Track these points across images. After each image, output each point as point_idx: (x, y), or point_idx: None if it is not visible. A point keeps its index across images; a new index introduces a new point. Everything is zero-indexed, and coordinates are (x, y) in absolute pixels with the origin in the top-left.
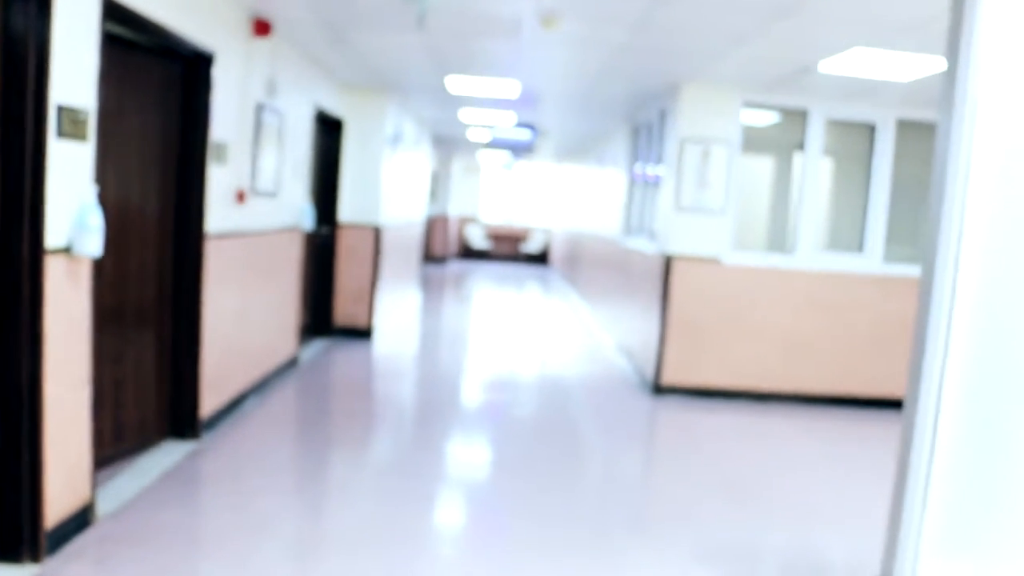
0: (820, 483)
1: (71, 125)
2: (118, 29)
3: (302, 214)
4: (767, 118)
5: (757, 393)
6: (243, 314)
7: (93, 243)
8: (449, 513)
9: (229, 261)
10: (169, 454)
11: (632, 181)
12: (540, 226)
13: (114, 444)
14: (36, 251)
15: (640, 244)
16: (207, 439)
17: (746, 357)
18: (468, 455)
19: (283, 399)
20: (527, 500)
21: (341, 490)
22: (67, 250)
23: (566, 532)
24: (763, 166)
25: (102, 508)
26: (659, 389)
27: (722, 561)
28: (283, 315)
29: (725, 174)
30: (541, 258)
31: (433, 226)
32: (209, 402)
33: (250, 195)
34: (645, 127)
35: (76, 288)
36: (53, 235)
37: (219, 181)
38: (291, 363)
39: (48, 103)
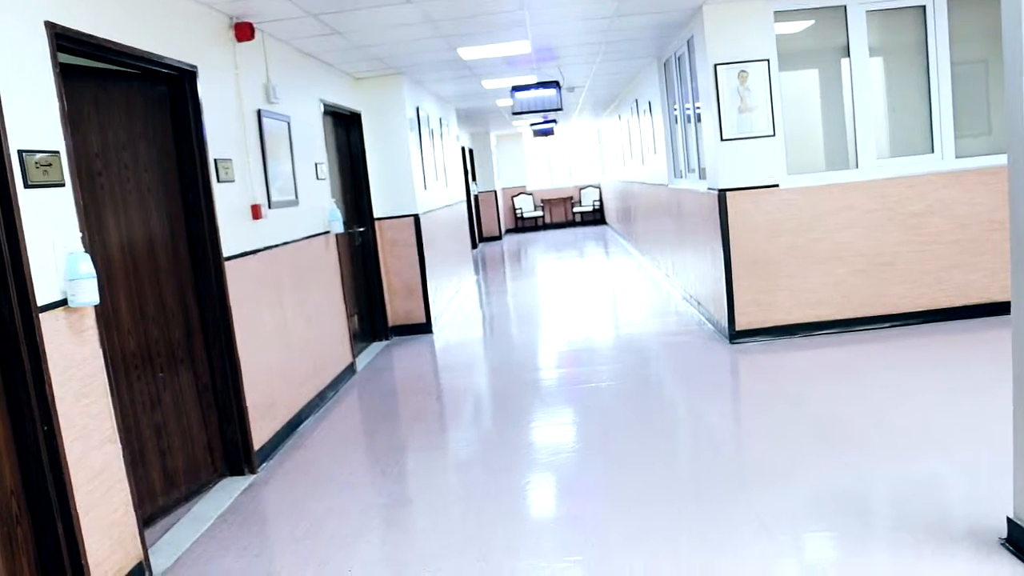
0: (927, 409)
1: (40, 171)
2: (82, 60)
3: (330, 217)
4: (801, 25)
5: (839, 321)
6: (283, 332)
7: (88, 291)
8: (544, 505)
9: (256, 281)
10: (226, 493)
11: (672, 120)
12: (590, 184)
13: (167, 493)
14: (27, 310)
15: (691, 184)
16: (265, 470)
17: (821, 286)
18: (554, 438)
19: (343, 412)
20: (621, 473)
21: (417, 499)
22: (63, 303)
23: (665, 501)
24: (806, 79)
25: (158, 564)
26: (735, 335)
27: (831, 515)
28: (330, 324)
29: (767, 94)
30: (595, 217)
31: (482, 204)
32: (261, 431)
33: (266, 208)
34: (675, 60)
35: (81, 341)
36: (43, 291)
37: (228, 199)
38: (348, 372)
39: (7, 151)
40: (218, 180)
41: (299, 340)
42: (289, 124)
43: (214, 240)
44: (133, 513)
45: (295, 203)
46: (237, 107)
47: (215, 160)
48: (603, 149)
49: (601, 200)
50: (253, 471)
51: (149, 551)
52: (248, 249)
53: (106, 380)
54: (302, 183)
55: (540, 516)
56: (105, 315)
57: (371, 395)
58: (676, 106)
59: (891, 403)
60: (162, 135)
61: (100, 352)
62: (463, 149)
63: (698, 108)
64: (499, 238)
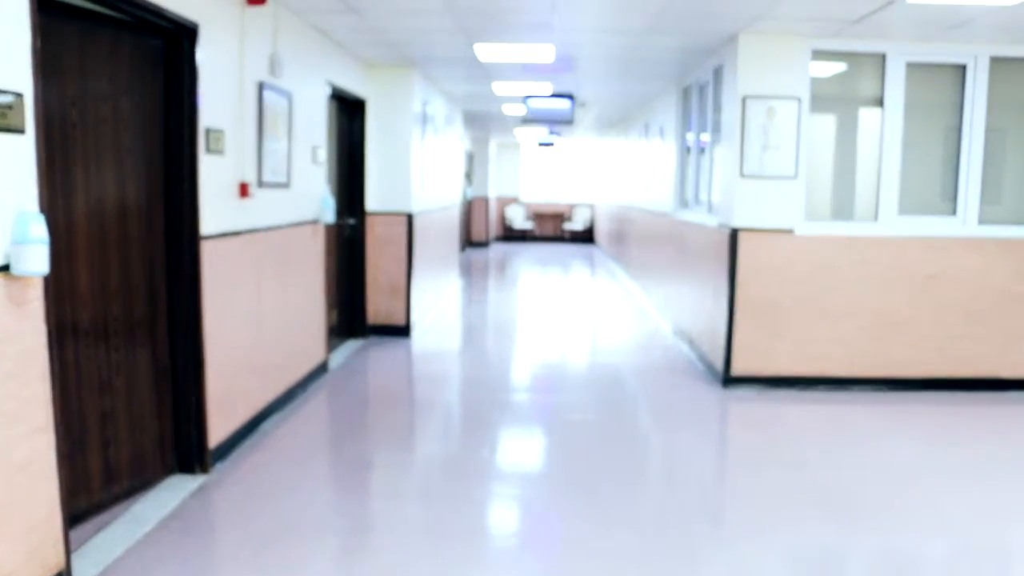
0: (925, 486)
1: None
2: None
3: (322, 205)
4: (832, 69)
5: (840, 379)
6: (256, 322)
7: (37, 258)
8: (507, 546)
9: (234, 264)
10: (172, 494)
11: (684, 150)
12: (583, 203)
13: (106, 488)
14: None
15: (698, 217)
16: (219, 471)
17: (826, 339)
18: (523, 470)
19: (310, 414)
20: (591, 517)
21: (380, 526)
22: (4, 269)
23: (636, 551)
24: (825, 123)
25: (82, 573)
26: (730, 379)
27: None
28: (307, 318)
29: (794, 134)
30: (586, 236)
31: (472, 209)
32: (220, 427)
33: (256, 188)
34: (697, 89)
35: (21, 315)
36: None
37: (215, 174)
38: (320, 370)
39: None
40: (207, 151)
41: (272, 332)
42: (291, 101)
43: (193, 216)
44: (59, 515)
45: (287, 186)
46: (237, 75)
47: (206, 129)
48: (602, 169)
49: (593, 220)
50: (205, 470)
51: (74, 555)
52: (230, 230)
53: (46, 361)
54: (297, 166)
55: (500, 562)
56: (59, 286)
57: (342, 399)
58: (691, 135)
59: (887, 474)
60: (151, 94)
61: (43, 328)
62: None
63: (715, 140)
64: (486, 245)
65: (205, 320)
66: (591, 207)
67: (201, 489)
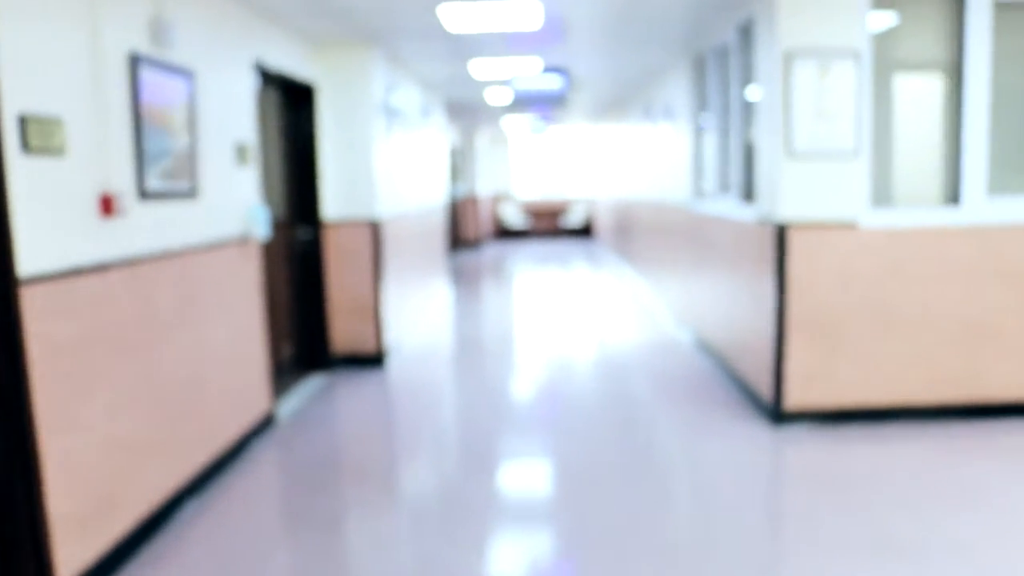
0: None
1: None
2: None
3: (251, 218)
4: (884, 21)
5: (920, 409)
6: (146, 387)
7: None
8: None
9: (96, 312)
10: None
11: (699, 130)
12: (580, 197)
13: None
14: None
15: (723, 209)
16: None
17: (900, 357)
18: (525, 552)
19: (243, 493)
20: None
21: None
22: None
23: None
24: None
25: None
26: (782, 415)
27: None
28: (237, 364)
29: (854, 98)
30: (584, 231)
31: (462, 208)
32: (80, 551)
33: (133, 200)
34: (715, 55)
35: None
36: None
37: (47, 183)
38: (263, 425)
39: None
40: (25, 150)
41: (176, 395)
42: (192, 83)
43: (2, 249)
44: None
45: (191, 195)
46: (89, 41)
47: (20, 117)
48: (598, 159)
49: (591, 214)
50: None
51: None
52: (84, 264)
53: None
54: (208, 169)
55: None
56: None
57: (291, 467)
58: (710, 112)
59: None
60: None
61: None
62: (449, 147)
63: (745, 115)
64: (478, 245)
65: (37, 404)
66: (589, 201)
67: None
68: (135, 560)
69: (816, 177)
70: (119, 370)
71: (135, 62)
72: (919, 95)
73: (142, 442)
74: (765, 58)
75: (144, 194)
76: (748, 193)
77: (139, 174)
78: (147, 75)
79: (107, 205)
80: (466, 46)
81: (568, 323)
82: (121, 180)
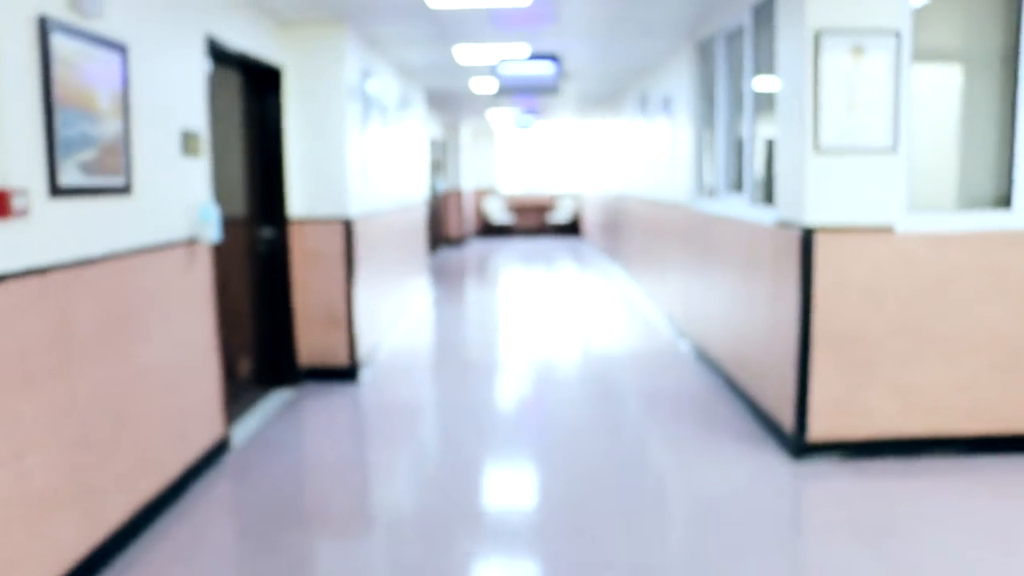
0: None
1: None
2: None
3: (201, 217)
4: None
5: (963, 440)
6: (63, 422)
7: None
8: None
9: None
10: None
11: (702, 121)
12: (567, 193)
13: None
14: None
15: (732, 209)
16: None
17: (940, 383)
18: None
19: (176, 548)
20: None
21: None
22: None
23: None
24: (929, 73)
25: None
26: (805, 447)
27: None
28: (182, 387)
29: (891, 85)
30: (571, 228)
31: (445, 204)
32: None
33: (42, 198)
34: (724, 40)
35: None
36: None
37: None
38: (214, 454)
39: None
40: None
41: (98, 431)
42: (126, 59)
43: None
44: None
45: (124, 191)
46: None
47: None
48: (588, 154)
49: (579, 211)
50: None
51: None
52: None
53: None
54: (147, 160)
55: None
56: None
57: (243, 505)
58: (717, 104)
59: None
60: None
61: None
62: (431, 140)
63: (762, 105)
64: (461, 242)
65: None
66: (576, 197)
67: None
68: None
69: (847, 175)
70: (21, 407)
71: (46, 28)
72: (960, 86)
73: (52, 492)
74: (788, 39)
75: (58, 190)
76: (766, 193)
77: (50, 166)
78: (63, 45)
79: (2, 203)
80: (449, 27)
81: (557, 328)
82: (22, 173)
